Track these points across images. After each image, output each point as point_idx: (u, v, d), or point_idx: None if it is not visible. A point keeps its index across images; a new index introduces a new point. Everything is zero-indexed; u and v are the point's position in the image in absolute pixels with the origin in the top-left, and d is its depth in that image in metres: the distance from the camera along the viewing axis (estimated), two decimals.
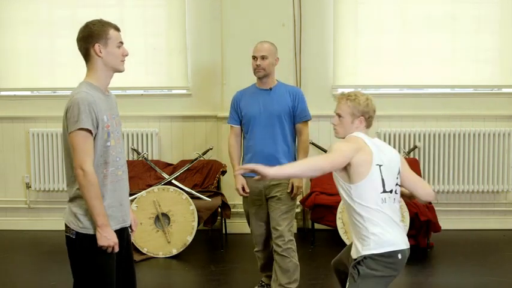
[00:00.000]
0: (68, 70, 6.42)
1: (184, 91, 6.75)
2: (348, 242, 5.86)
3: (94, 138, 3.10)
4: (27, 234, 6.58)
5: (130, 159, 6.66)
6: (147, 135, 6.68)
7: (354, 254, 3.37)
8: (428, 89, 6.70)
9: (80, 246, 3.13)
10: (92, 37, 3.16)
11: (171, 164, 6.61)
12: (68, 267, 3.22)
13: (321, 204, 6.05)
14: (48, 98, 6.59)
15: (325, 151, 6.38)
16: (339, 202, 5.90)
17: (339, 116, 3.49)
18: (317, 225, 6.30)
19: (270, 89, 4.63)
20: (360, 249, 3.30)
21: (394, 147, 6.47)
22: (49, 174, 6.67)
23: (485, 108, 6.59)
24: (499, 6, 6.56)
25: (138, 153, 6.59)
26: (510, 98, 6.67)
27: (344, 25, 6.60)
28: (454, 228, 6.47)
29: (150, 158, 6.61)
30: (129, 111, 6.66)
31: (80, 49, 3.24)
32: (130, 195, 5.96)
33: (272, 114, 4.56)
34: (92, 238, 3.10)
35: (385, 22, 6.59)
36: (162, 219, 5.87)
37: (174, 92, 6.86)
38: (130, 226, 3.40)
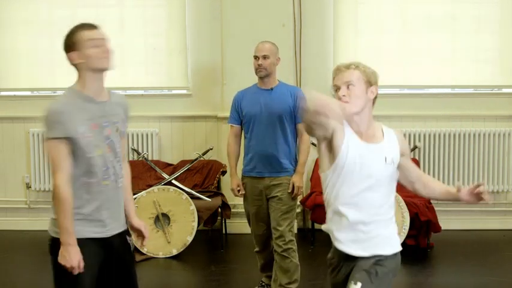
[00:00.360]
0: (68, 70, 6.42)
1: (184, 91, 6.75)
2: None
3: (73, 147, 2.96)
4: (27, 234, 6.57)
5: (130, 159, 6.66)
6: (147, 135, 6.68)
7: (383, 251, 2.99)
8: (428, 89, 6.69)
9: (53, 251, 3.00)
10: (67, 46, 3.09)
11: (171, 164, 6.61)
12: None
13: (321, 204, 5.98)
14: (48, 98, 6.51)
15: None
16: None
17: (348, 84, 2.98)
18: (317, 226, 6.30)
19: (271, 89, 4.63)
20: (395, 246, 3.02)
21: None
22: (49, 175, 6.66)
23: (485, 108, 6.59)
24: (499, 6, 6.56)
25: (138, 154, 6.59)
26: (510, 98, 6.66)
27: (344, 25, 6.60)
28: (454, 228, 6.46)
29: (150, 158, 6.61)
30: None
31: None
32: None
33: (273, 114, 4.55)
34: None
35: (385, 22, 6.59)
36: (162, 219, 5.87)
37: (174, 92, 6.86)
38: (130, 232, 3.29)
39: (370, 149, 2.98)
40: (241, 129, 4.76)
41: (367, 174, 2.95)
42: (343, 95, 2.96)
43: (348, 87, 2.96)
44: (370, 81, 3.01)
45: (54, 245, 3.00)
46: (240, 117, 4.71)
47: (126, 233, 3.26)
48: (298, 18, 6.46)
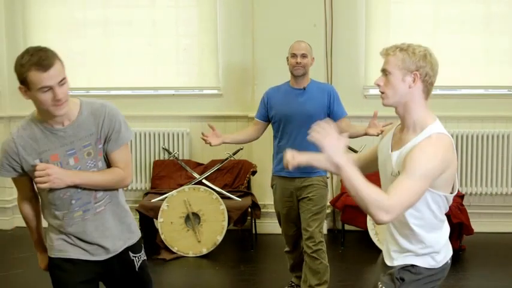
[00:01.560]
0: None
1: (215, 91, 6.77)
2: (378, 244, 5.83)
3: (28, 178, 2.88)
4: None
5: (161, 158, 6.71)
6: (178, 135, 6.71)
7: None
8: (460, 90, 6.60)
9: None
10: (17, 75, 2.66)
11: (201, 164, 6.63)
12: None
13: (351, 205, 6.02)
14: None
15: (356, 151, 6.35)
16: None
17: (385, 72, 2.67)
18: (347, 227, 6.27)
19: (304, 88, 4.58)
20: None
21: None
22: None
23: (496, 109, 6.49)
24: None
25: (169, 153, 6.63)
26: None
27: (376, 25, 6.56)
28: (487, 231, 6.37)
29: (181, 158, 6.64)
30: (160, 111, 6.74)
31: None
32: (161, 194, 6.07)
33: (305, 115, 4.46)
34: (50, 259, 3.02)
35: (417, 22, 6.52)
36: (192, 218, 5.89)
37: (205, 92, 6.88)
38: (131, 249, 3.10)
39: (386, 159, 2.75)
40: (265, 127, 4.74)
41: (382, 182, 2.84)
42: (378, 84, 2.71)
43: (386, 75, 2.68)
44: (407, 67, 2.60)
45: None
46: (268, 115, 4.66)
47: (129, 250, 3.07)
48: (330, 18, 6.44)
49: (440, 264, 2.77)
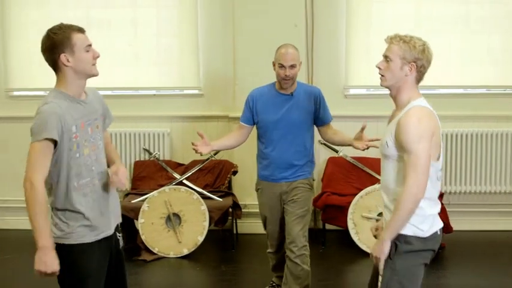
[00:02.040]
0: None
1: (196, 91, 6.76)
2: (358, 243, 5.86)
3: (58, 150, 2.96)
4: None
5: (142, 159, 6.68)
6: (158, 136, 6.69)
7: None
8: (440, 90, 6.63)
9: (59, 258, 2.97)
10: (56, 47, 2.98)
11: (182, 164, 6.62)
12: None
13: (332, 204, 6.05)
14: None
15: (336, 151, 6.37)
16: (350, 203, 5.89)
17: (387, 58, 3.08)
18: (328, 226, 6.29)
19: (291, 94, 4.43)
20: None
21: None
22: None
23: (497, 108, 6.54)
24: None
25: (150, 153, 6.61)
26: None
27: (356, 25, 6.58)
28: (466, 229, 6.42)
29: (161, 158, 6.62)
30: (141, 111, 6.71)
31: (46, 60, 3.07)
32: (142, 195, 6.05)
33: (294, 121, 4.39)
34: (66, 248, 3.01)
35: (398, 22, 6.54)
36: (173, 219, 5.88)
37: (186, 92, 6.86)
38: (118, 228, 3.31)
39: (384, 132, 3.13)
40: (250, 130, 4.60)
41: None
42: (379, 67, 3.11)
43: (387, 61, 3.07)
44: (407, 58, 3.03)
45: (64, 254, 2.99)
46: (254, 119, 4.52)
47: (116, 229, 3.29)
48: (311, 18, 6.45)
49: (428, 234, 3.02)
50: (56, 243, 2.97)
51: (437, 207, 3.10)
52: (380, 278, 3.06)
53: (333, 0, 6.49)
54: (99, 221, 3.10)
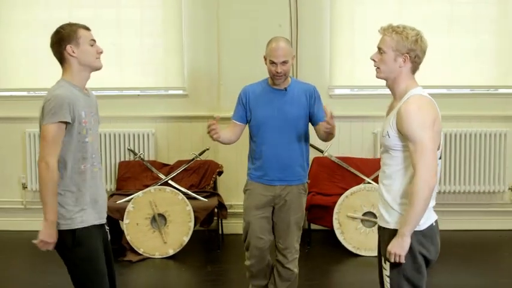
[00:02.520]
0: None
1: (180, 91, 6.75)
2: (344, 243, 5.88)
3: (69, 133, 3.17)
4: (23, 234, 6.56)
5: (126, 159, 6.66)
6: (143, 136, 6.67)
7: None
8: (425, 90, 6.67)
9: (63, 244, 3.23)
10: (63, 40, 3.24)
11: (167, 165, 6.60)
12: (65, 268, 3.29)
13: (317, 204, 6.06)
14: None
15: (321, 151, 6.39)
16: (335, 203, 5.91)
17: (380, 50, 3.04)
18: (313, 226, 6.30)
19: (285, 89, 4.22)
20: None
21: None
22: None
23: (481, 108, 6.59)
24: (496, 6, 6.57)
25: (135, 154, 6.59)
26: (506, 99, 6.68)
27: (341, 25, 6.60)
28: (451, 228, 6.46)
29: (146, 159, 6.60)
30: (125, 111, 6.68)
31: (54, 54, 3.32)
32: (127, 195, 6.03)
33: (288, 118, 4.18)
34: (69, 233, 3.20)
35: (382, 23, 6.55)
36: (158, 219, 5.87)
37: (170, 92, 6.85)
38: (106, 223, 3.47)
39: (383, 124, 3.12)
40: (243, 129, 4.35)
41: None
42: (373, 60, 3.09)
43: (381, 53, 3.04)
44: (399, 49, 2.99)
45: (70, 238, 3.20)
46: (247, 116, 4.29)
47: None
48: (295, 18, 6.47)
49: (424, 227, 3.03)
50: (60, 230, 3.19)
51: (433, 202, 3.12)
52: (387, 279, 3.06)
53: (317, 0, 6.51)
54: (94, 208, 3.29)
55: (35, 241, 3.20)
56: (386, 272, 3.06)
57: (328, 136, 4.14)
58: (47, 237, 3.16)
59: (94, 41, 3.31)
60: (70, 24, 3.28)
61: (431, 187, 2.93)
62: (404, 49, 2.97)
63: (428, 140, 2.91)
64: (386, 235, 3.07)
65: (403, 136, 2.95)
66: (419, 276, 3.05)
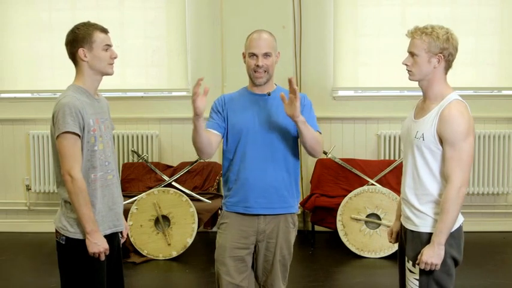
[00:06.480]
0: (68, 72, 6.40)
1: (184, 93, 6.75)
2: (347, 244, 5.87)
3: (82, 141, 3.10)
4: (27, 236, 6.58)
5: (130, 161, 6.67)
6: (147, 137, 6.68)
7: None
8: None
9: (69, 252, 3.14)
10: (76, 41, 3.16)
11: (171, 166, 6.61)
12: None
13: (321, 206, 6.05)
14: (48, 100, 6.56)
15: (325, 153, 6.38)
16: (339, 204, 5.90)
17: (412, 54, 3.01)
18: (317, 227, 6.30)
19: (268, 94, 3.41)
20: None
21: (395, 149, 6.48)
22: (49, 176, 6.66)
23: (485, 110, 6.58)
24: (499, 8, 6.55)
25: (138, 156, 6.59)
26: (510, 100, 6.67)
27: (344, 27, 6.60)
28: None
29: (150, 160, 6.61)
30: (129, 113, 6.69)
31: (67, 54, 3.23)
32: (131, 197, 6.03)
33: (271, 129, 3.36)
34: (82, 243, 3.10)
35: (385, 24, 6.58)
36: (162, 221, 5.87)
37: (174, 94, 6.86)
38: (121, 232, 3.40)
39: (409, 126, 3.10)
40: (219, 141, 3.51)
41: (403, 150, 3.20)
42: (406, 64, 3.06)
43: (412, 57, 3.02)
44: (432, 50, 2.97)
45: (70, 245, 3.12)
46: (224, 126, 3.47)
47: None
48: (299, 20, 6.47)
49: (453, 229, 3.00)
50: (66, 238, 3.12)
51: None
52: (415, 282, 3.04)
53: (320, 2, 6.51)
54: (107, 216, 3.22)
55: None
56: (415, 275, 3.04)
57: (313, 145, 3.32)
58: (96, 248, 3.08)
59: (109, 45, 3.20)
60: (87, 25, 3.18)
61: (463, 195, 2.93)
62: (437, 49, 2.96)
63: (469, 148, 2.94)
64: (417, 238, 3.05)
65: (441, 140, 2.95)
66: (448, 277, 3.04)
